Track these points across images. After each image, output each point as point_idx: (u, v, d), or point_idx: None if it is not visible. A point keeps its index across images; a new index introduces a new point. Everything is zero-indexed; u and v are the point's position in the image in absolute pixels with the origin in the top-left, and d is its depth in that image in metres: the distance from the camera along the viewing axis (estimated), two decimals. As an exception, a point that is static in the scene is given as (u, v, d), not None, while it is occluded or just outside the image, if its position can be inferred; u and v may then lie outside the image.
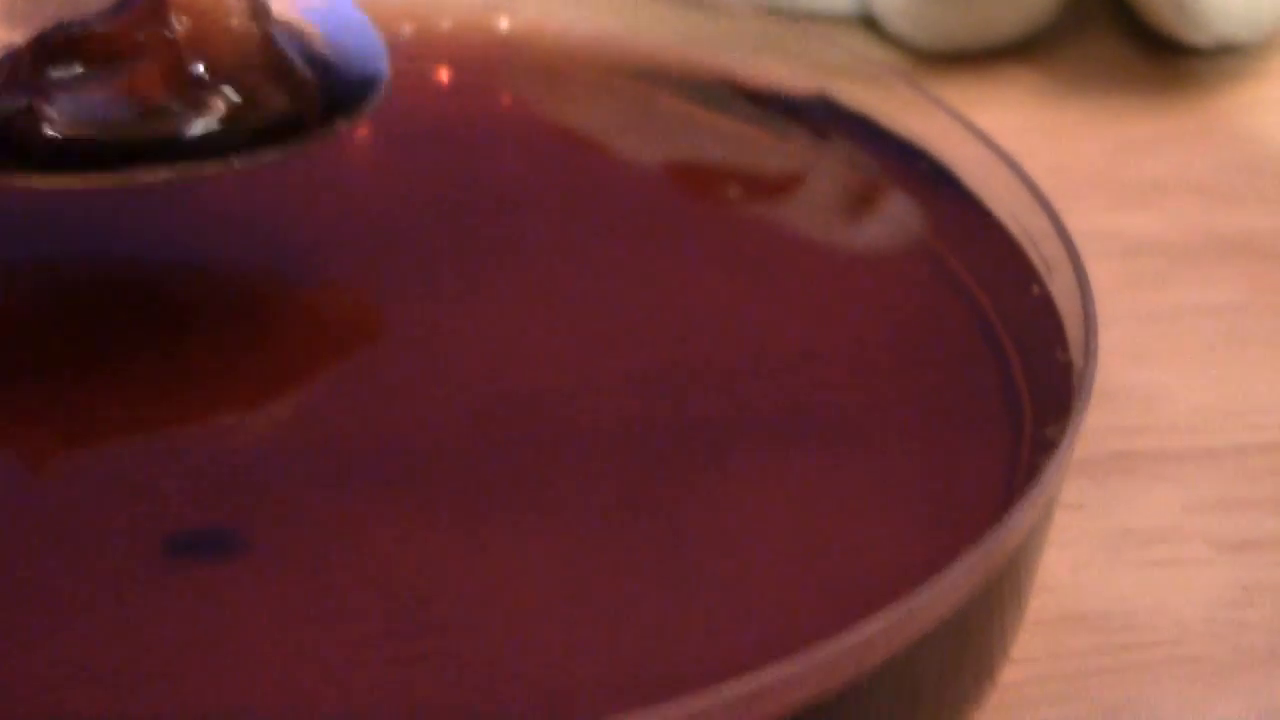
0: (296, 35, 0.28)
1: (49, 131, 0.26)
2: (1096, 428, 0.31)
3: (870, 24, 0.40)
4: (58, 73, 0.26)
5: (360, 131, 0.33)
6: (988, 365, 0.28)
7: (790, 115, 0.33)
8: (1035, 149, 0.37)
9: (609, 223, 0.31)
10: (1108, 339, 0.32)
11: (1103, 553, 0.28)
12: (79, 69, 0.26)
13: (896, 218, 0.31)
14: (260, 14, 0.27)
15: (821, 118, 0.33)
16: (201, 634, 0.24)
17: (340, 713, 0.23)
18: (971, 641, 0.24)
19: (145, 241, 0.30)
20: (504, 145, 0.33)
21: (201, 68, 0.26)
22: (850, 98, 0.32)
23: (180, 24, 0.26)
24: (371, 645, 0.23)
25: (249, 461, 0.26)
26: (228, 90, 0.27)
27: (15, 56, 0.27)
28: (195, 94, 0.27)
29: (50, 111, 0.26)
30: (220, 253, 0.29)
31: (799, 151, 0.33)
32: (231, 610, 0.24)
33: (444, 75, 0.34)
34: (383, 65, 0.29)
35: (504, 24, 0.34)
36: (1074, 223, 0.34)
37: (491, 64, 0.34)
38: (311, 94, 0.28)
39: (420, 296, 0.29)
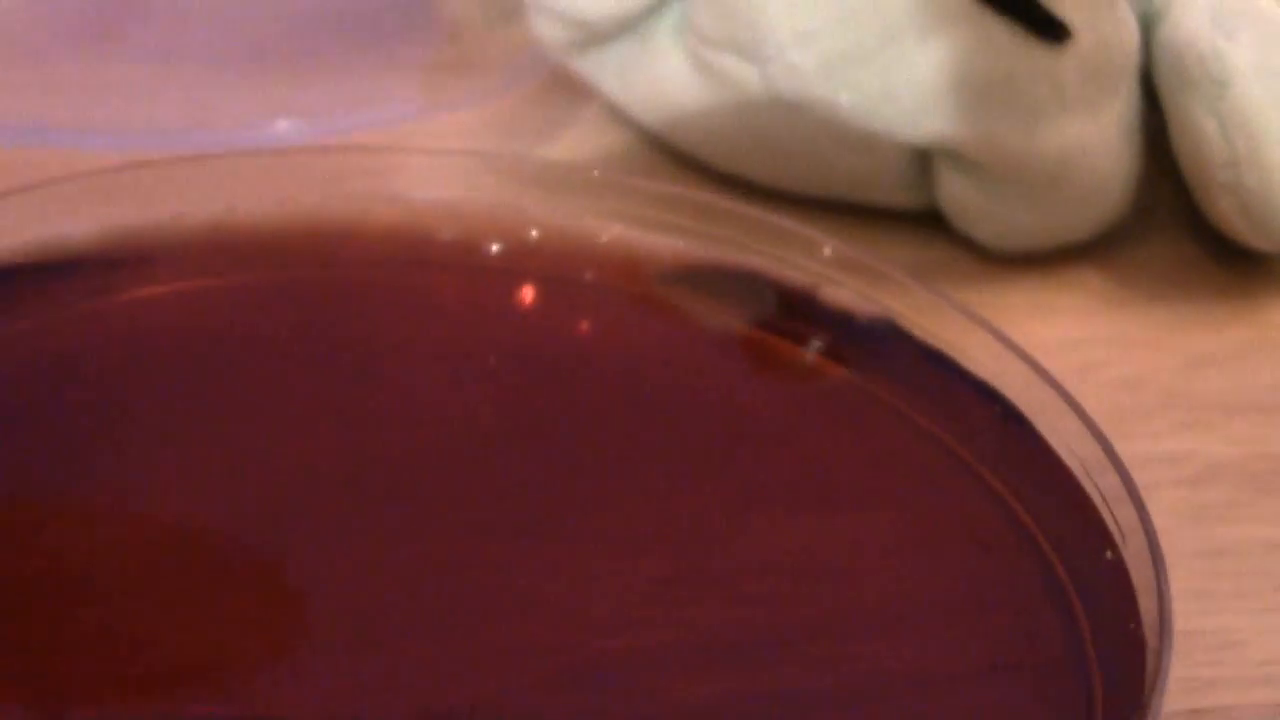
0: None
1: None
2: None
3: (938, 218, 0.40)
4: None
5: (435, 347, 0.33)
6: (1056, 630, 0.28)
7: (845, 338, 0.33)
8: (1105, 362, 0.38)
9: (664, 457, 0.31)
10: (1174, 578, 0.32)
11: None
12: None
13: (956, 458, 0.31)
14: None
15: (876, 341, 0.32)
16: None
17: None
18: None
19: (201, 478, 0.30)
20: (573, 369, 0.33)
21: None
22: (905, 320, 0.32)
23: None
24: None
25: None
26: None
27: None
28: None
29: None
30: (281, 489, 0.29)
31: (847, 380, 0.32)
32: None
33: (526, 294, 0.34)
34: None
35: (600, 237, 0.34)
36: (1143, 446, 0.35)
37: (570, 279, 0.34)
38: None
39: (486, 539, 0.29)
